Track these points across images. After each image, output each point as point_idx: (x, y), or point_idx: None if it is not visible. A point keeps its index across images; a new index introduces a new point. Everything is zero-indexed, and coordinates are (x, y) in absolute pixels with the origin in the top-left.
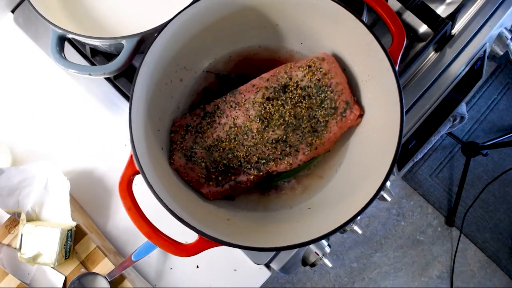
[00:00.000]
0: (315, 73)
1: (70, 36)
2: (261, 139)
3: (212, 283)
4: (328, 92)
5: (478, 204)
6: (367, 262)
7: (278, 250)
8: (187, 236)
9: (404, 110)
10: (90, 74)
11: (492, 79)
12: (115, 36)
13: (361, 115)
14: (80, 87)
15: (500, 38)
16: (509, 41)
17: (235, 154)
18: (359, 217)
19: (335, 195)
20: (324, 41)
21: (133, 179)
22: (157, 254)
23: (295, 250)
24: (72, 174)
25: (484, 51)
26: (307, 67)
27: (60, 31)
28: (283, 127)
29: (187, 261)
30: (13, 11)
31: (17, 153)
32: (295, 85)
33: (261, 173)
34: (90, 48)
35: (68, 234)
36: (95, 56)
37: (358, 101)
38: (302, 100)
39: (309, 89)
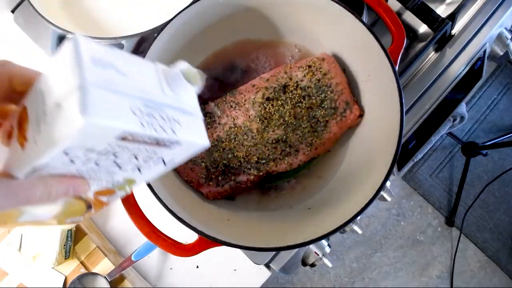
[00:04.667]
0: (315, 73)
1: (70, 36)
2: (261, 139)
3: (212, 283)
4: (328, 92)
5: (478, 204)
6: (367, 262)
7: (278, 250)
8: (187, 236)
9: (404, 110)
10: None
11: (492, 79)
12: (115, 36)
13: (361, 115)
14: None
15: (500, 38)
16: (509, 41)
17: (235, 154)
18: (359, 217)
19: (335, 195)
20: (324, 41)
21: None
22: (157, 254)
23: (295, 250)
24: None
25: (484, 51)
26: (307, 67)
27: (60, 31)
28: (283, 127)
29: (187, 261)
30: (13, 11)
31: None
32: (295, 85)
33: (261, 173)
34: None
35: (68, 234)
36: None
37: (358, 101)
38: (302, 100)
39: (309, 89)
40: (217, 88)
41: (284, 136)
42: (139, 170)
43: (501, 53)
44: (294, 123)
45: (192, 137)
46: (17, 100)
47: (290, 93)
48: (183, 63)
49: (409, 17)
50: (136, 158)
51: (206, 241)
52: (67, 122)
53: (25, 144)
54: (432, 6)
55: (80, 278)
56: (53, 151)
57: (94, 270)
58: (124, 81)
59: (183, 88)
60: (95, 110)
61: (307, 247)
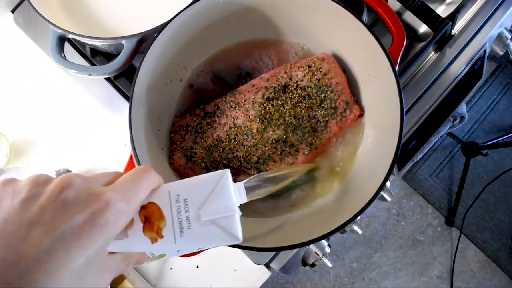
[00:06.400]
0: (315, 73)
1: (70, 36)
2: (261, 139)
3: (212, 283)
4: (328, 92)
5: (478, 204)
6: (367, 262)
7: (278, 250)
8: None
9: (404, 110)
10: (90, 74)
11: (492, 79)
12: (115, 36)
13: (361, 115)
14: (80, 87)
15: (500, 38)
16: (509, 41)
17: (235, 154)
18: (359, 217)
19: (335, 195)
20: (324, 41)
21: None
22: None
23: (295, 250)
24: None
25: (484, 51)
26: (307, 67)
27: (60, 31)
28: (283, 127)
29: (187, 261)
30: (13, 11)
31: (17, 153)
32: (295, 85)
33: None
34: (90, 48)
35: None
36: (95, 56)
37: (358, 101)
38: (302, 100)
39: (309, 89)
40: (217, 87)
41: (284, 136)
42: (178, 251)
43: (501, 53)
44: (294, 123)
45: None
46: None
47: (290, 93)
48: (241, 182)
49: (409, 17)
50: None
51: None
52: (222, 237)
53: (159, 240)
54: (432, 6)
55: None
56: (191, 250)
57: None
58: (238, 200)
59: (240, 197)
60: (241, 232)
61: (307, 247)
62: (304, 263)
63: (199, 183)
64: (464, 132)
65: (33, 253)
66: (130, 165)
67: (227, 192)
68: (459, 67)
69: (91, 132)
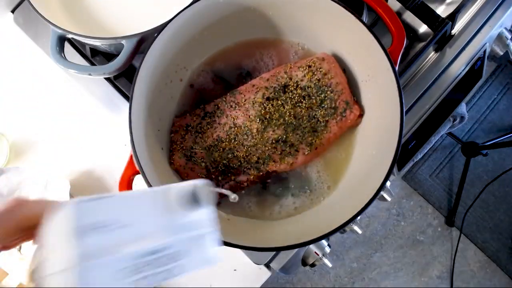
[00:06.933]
0: (315, 73)
1: (70, 36)
2: (261, 139)
3: (212, 283)
4: (328, 92)
5: (478, 204)
6: (367, 262)
7: (278, 250)
8: None
9: (404, 110)
10: (90, 74)
11: (492, 79)
12: (115, 36)
13: (361, 115)
14: (80, 87)
15: (500, 38)
16: (509, 41)
17: (235, 154)
18: (359, 217)
19: (335, 195)
20: (324, 41)
21: (133, 179)
22: None
23: (295, 250)
24: (72, 174)
25: (484, 51)
26: (307, 67)
27: (60, 31)
28: (283, 127)
29: None
30: (13, 11)
31: (17, 153)
32: (295, 85)
33: (261, 173)
34: (90, 48)
35: None
36: (95, 56)
37: (358, 101)
38: (302, 100)
39: (309, 89)
40: (217, 87)
41: (284, 136)
42: None
43: (501, 53)
44: (294, 123)
45: (200, 264)
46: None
47: (290, 93)
48: (198, 181)
49: (409, 17)
50: None
51: None
52: None
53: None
54: (432, 6)
55: None
56: None
57: None
58: (119, 236)
59: (195, 208)
60: None
61: (307, 247)
62: (304, 263)
63: (49, 230)
64: (464, 132)
65: None
66: (130, 165)
67: (62, 236)
68: (459, 67)
69: (91, 132)
